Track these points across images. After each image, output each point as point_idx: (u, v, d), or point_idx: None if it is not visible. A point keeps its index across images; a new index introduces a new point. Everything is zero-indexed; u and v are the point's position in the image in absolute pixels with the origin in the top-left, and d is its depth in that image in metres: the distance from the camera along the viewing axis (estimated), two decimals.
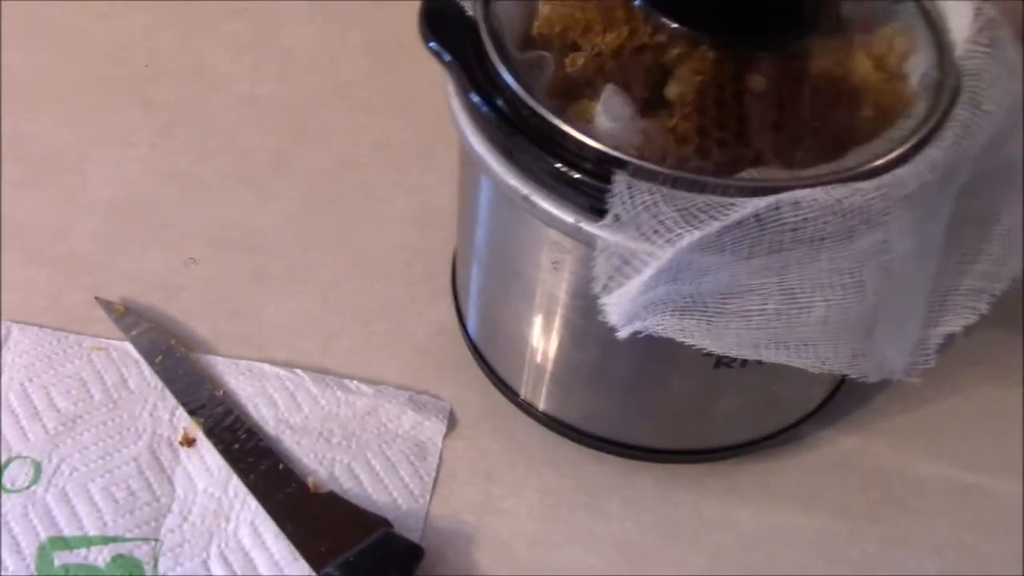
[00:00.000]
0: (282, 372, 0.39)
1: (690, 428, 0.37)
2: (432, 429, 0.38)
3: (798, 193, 0.27)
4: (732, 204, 0.27)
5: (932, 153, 0.29)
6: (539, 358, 0.36)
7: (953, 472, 0.39)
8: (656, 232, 0.27)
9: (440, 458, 0.38)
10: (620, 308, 0.28)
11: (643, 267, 0.27)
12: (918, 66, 0.32)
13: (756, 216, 0.27)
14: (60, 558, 0.35)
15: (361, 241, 0.44)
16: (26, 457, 0.37)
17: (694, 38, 0.30)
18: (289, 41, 0.52)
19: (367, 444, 0.38)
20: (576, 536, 0.36)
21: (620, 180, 0.27)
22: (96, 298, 0.41)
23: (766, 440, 0.38)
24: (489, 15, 0.32)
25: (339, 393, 0.39)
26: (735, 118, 0.30)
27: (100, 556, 0.35)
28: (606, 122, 0.29)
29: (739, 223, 0.27)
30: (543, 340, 0.35)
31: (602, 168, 0.28)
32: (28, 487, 0.36)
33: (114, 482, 0.36)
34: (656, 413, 0.36)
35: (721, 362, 0.32)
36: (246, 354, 0.40)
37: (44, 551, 0.35)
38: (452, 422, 0.39)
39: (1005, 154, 0.32)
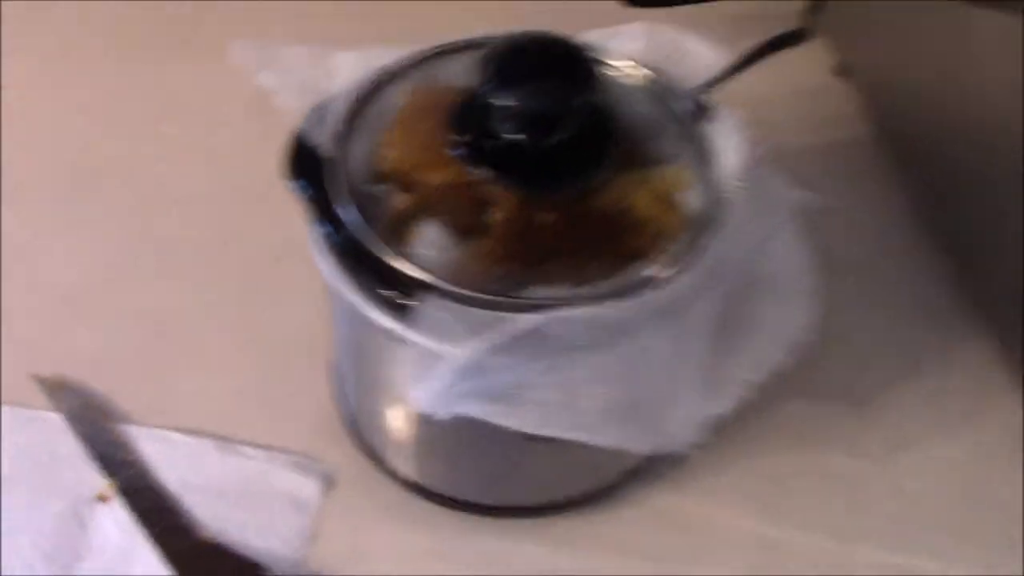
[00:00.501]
0: (187, 439, 0.46)
1: (520, 488, 0.44)
2: (311, 488, 0.45)
3: (564, 312, 0.34)
4: (513, 318, 0.34)
5: (681, 278, 0.36)
6: (393, 433, 0.44)
7: (750, 524, 0.46)
8: (449, 341, 0.34)
9: (316, 514, 0.45)
10: (425, 397, 0.35)
11: (443, 367, 0.35)
12: (692, 200, 0.39)
13: (533, 330, 0.34)
14: None
15: (266, 326, 0.51)
16: None
17: (499, 181, 0.38)
18: (217, 143, 0.60)
19: (255, 500, 0.45)
20: None
21: (423, 299, 0.35)
22: (33, 375, 0.48)
23: (588, 498, 0.45)
24: (344, 155, 0.39)
25: (233, 457, 0.46)
26: (532, 246, 0.37)
27: None
28: (423, 250, 0.37)
29: (518, 334, 0.34)
30: (394, 418, 0.43)
31: (412, 289, 0.35)
32: None
33: (40, 534, 0.43)
34: (487, 476, 0.44)
35: (522, 435, 0.40)
36: (159, 423, 0.47)
37: None
38: (330, 483, 0.46)
39: (765, 270, 0.40)
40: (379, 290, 0.36)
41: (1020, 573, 0.45)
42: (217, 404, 0.48)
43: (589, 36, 0.43)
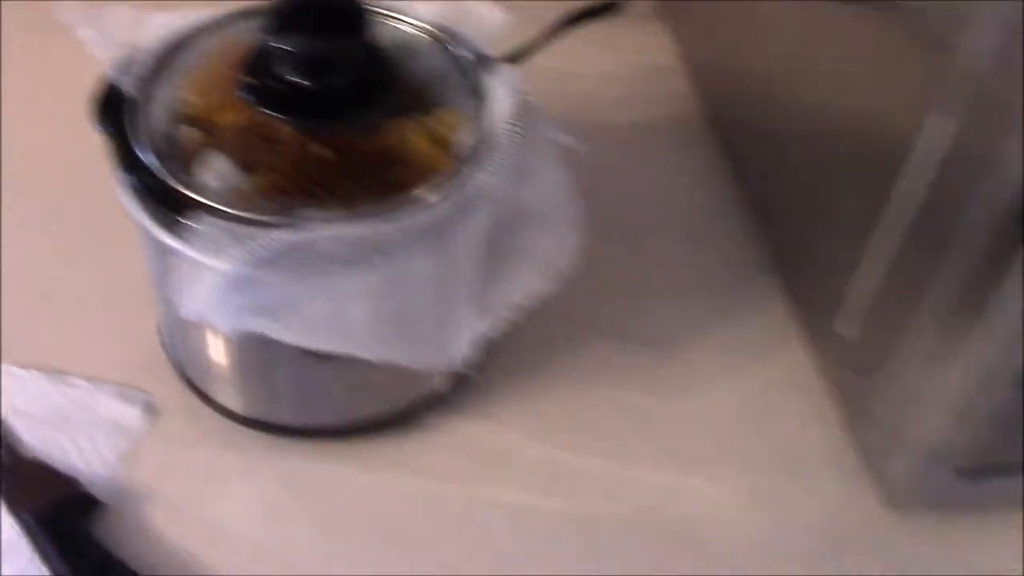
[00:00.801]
0: (15, 369, 0.50)
1: (320, 410, 0.48)
2: (132, 415, 0.49)
3: (320, 229, 0.38)
4: (274, 235, 0.38)
5: (441, 203, 0.40)
6: (203, 361, 0.47)
7: (544, 451, 0.50)
8: (220, 256, 0.38)
9: (138, 439, 0.49)
10: (192, 306, 0.39)
11: (210, 276, 0.39)
12: (464, 141, 0.43)
13: (290, 243, 0.38)
14: None
15: (103, 273, 0.55)
16: None
17: (280, 118, 0.42)
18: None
19: (76, 426, 0.48)
20: (230, 495, 0.47)
21: (198, 216, 0.39)
22: None
23: (389, 422, 0.49)
24: (147, 100, 0.43)
25: (62, 387, 0.50)
26: (309, 178, 0.41)
27: None
28: (209, 179, 0.41)
29: (280, 249, 0.38)
30: (198, 344, 0.47)
31: (192, 211, 0.39)
32: None
33: None
34: (288, 398, 0.47)
35: (309, 353, 0.44)
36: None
37: None
38: (151, 411, 0.50)
39: (530, 203, 0.44)
40: (165, 214, 0.40)
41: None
42: (50, 340, 0.52)
43: (395, 1, 0.48)
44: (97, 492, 0.46)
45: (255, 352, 0.46)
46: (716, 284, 0.58)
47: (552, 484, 0.49)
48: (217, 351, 0.47)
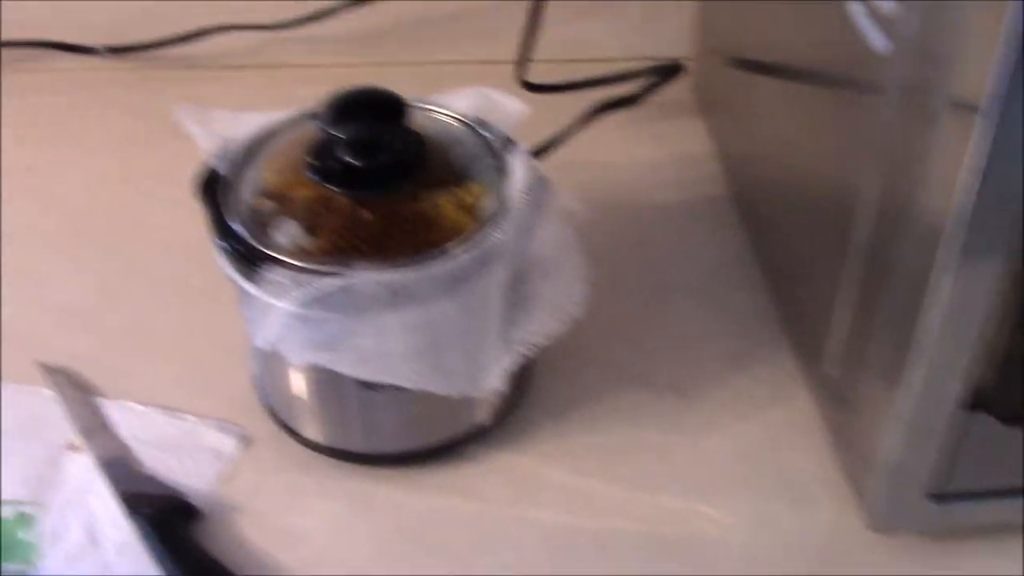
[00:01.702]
0: (140, 407, 0.61)
1: (382, 438, 0.57)
2: (229, 443, 0.59)
3: (363, 275, 0.48)
4: (333, 281, 0.48)
5: (461, 255, 0.49)
6: (284, 396, 0.57)
7: (573, 479, 0.58)
8: (283, 296, 0.48)
9: (232, 464, 0.58)
10: (265, 339, 0.49)
11: (275, 313, 0.49)
12: (488, 207, 0.53)
13: (340, 287, 0.48)
14: None
15: (207, 327, 0.66)
16: None
17: (335, 191, 0.52)
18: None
19: (184, 451, 0.59)
20: (305, 510, 0.56)
21: (272, 268, 0.49)
22: (38, 362, 0.64)
23: (440, 451, 0.58)
24: (238, 180, 0.54)
25: (173, 420, 0.60)
26: (358, 237, 0.51)
27: (8, 511, 0.56)
28: (282, 240, 0.51)
29: (331, 292, 0.48)
30: (282, 382, 0.56)
31: (265, 263, 0.49)
32: None
33: (26, 469, 0.58)
34: (354, 426, 0.57)
35: (368, 385, 0.53)
36: (120, 396, 0.62)
37: None
38: (247, 442, 0.60)
39: (542, 257, 0.53)
40: (248, 268, 0.50)
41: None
42: (169, 385, 0.63)
43: (435, 96, 0.58)
44: (198, 504, 0.56)
45: (325, 386, 0.55)
46: (732, 340, 0.65)
47: (582, 508, 0.57)
48: (295, 387, 0.56)
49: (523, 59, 0.75)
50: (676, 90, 0.82)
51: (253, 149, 0.56)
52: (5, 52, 0.90)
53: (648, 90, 0.75)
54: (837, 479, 0.56)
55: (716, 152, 0.78)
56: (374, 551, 0.55)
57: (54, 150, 0.83)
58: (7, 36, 0.90)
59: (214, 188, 0.54)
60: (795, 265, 0.62)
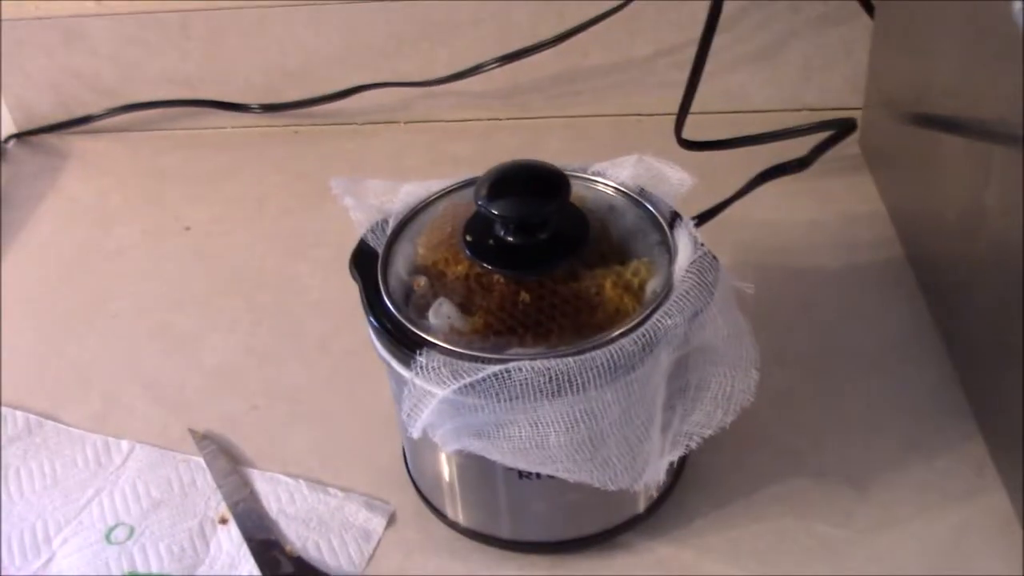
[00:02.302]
0: (287, 479, 0.60)
1: (533, 526, 0.54)
2: (377, 522, 0.57)
3: (520, 362, 0.45)
4: (483, 367, 0.46)
5: (621, 345, 0.46)
6: (433, 477, 0.55)
7: (735, 573, 0.54)
8: (439, 383, 0.46)
9: (378, 542, 0.57)
10: (418, 427, 0.47)
11: (432, 402, 0.47)
12: (651, 287, 0.50)
13: (496, 374, 0.45)
14: None
15: (360, 394, 0.64)
16: (126, 524, 0.59)
17: (493, 270, 0.50)
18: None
19: (331, 528, 0.57)
20: None
21: (427, 352, 0.47)
22: (189, 429, 0.64)
23: (595, 540, 0.54)
24: (389, 254, 0.52)
25: (321, 495, 0.59)
26: (515, 319, 0.49)
27: None
28: (434, 320, 0.49)
29: (485, 378, 0.45)
30: (432, 463, 0.54)
31: (422, 347, 0.47)
32: (124, 542, 0.58)
33: (174, 541, 0.57)
34: (504, 513, 0.54)
35: (521, 475, 0.50)
36: (269, 467, 0.61)
37: None
38: (392, 520, 0.58)
39: (710, 343, 0.49)
40: (401, 349, 0.48)
41: None
42: (316, 456, 0.62)
43: (597, 165, 0.55)
44: None
45: (475, 471, 0.53)
46: (914, 423, 0.60)
47: None
48: (445, 470, 0.54)
49: (682, 115, 0.72)
50: (842, 144, 0.77)
51: (408, 222, 0.54)
52: (165, 111, 0.91)
53: (820, 150, 0.71)
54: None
55: (888, 211, 0.74)
56: None
57: (211, 209, 0.84)
58: (166, 95, 0.92)
59: (367, 262, 0.52)
60: (986, 339, 0.56)
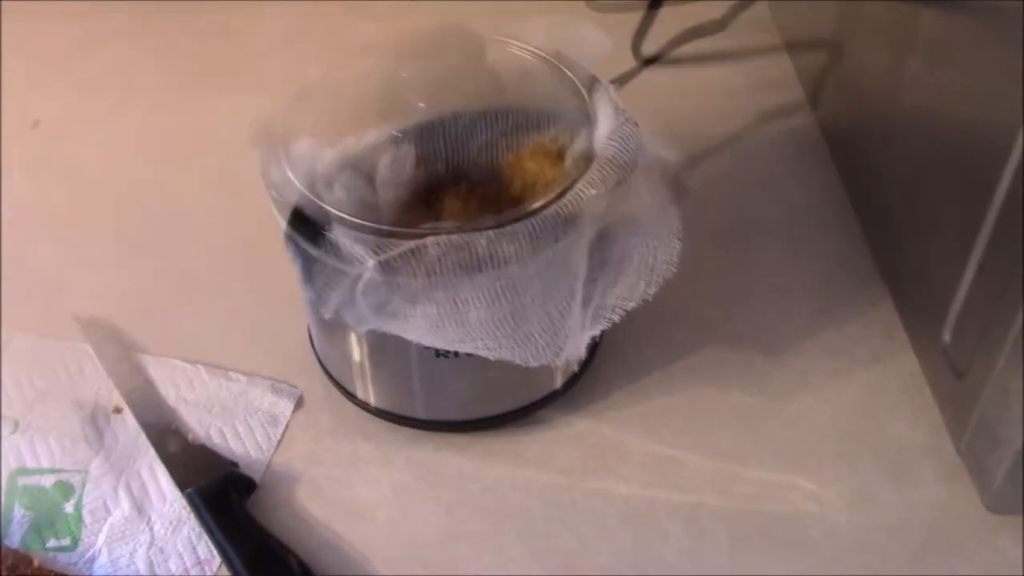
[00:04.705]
0: (185, 365, 0.57)
1: (449, 405, 0.53)
2: (284, 406, 0.55)
3: (438, 237, 0.43)
4: (399, 243, 0.43)
5: (543, 216, 0.44)
6: (343, 359, 0.53)
7: (655, 447, 0.53)
8: (350, 261, 0.43)
9: (286, 427, 0.54)
10: (330, 307, 0.44)
11: (345, 281, 0.44)
12: (573, 155, 0.47)
13: (412, 250, 0.43)
14: (22, 480, 0.52)
15: (260, 282, 0.60)
16: (9, 417, 0.55)
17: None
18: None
19: (235, 415, 0.54)
20: (367, 480, 0.52)
21: (332, 227, 0.44)
22: (73, 315, 0.59)
23: (511, 418, 0.53)
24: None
25: (222, 380, 0.56)
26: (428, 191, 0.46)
27: (47, 480, 0.52)
28: (340, 193, 0.45)
29: (402, 254, 0.43)
30: (341, 344, 0.52)
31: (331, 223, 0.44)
32: (8, 436, 0.54)
33: (64, 434, 0.54)
34: (418, 394, 0.52)
35: (438, 353, 0.48)
36: (164, 353, 0.57)
37: (12, 476, 0.52)
38: (300, 403, 0.55)
39: (633, 213, 0.48)
40: (309, 225, 0.45)
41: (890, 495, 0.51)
42: (216, 340, 0.58)
43: (508, 27, 0.52)
44: (252, 474, 0.52)
45: (388, 351, 0.50)
46: (825, 290, 0.60)
47: (661, 478, 0.52)
48: (356, 351, 0.52)
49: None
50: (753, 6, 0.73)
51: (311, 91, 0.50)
52: None
53: (734, 14, 0.68)
54: (946, 452, 0.51)
55: (798, 75, 0.72)
56: (440, 523, 0.51)
57: (62, 99, 0.75)
58: None
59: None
60: (904, 213, 0.56)
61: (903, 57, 0.54)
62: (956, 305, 0.48)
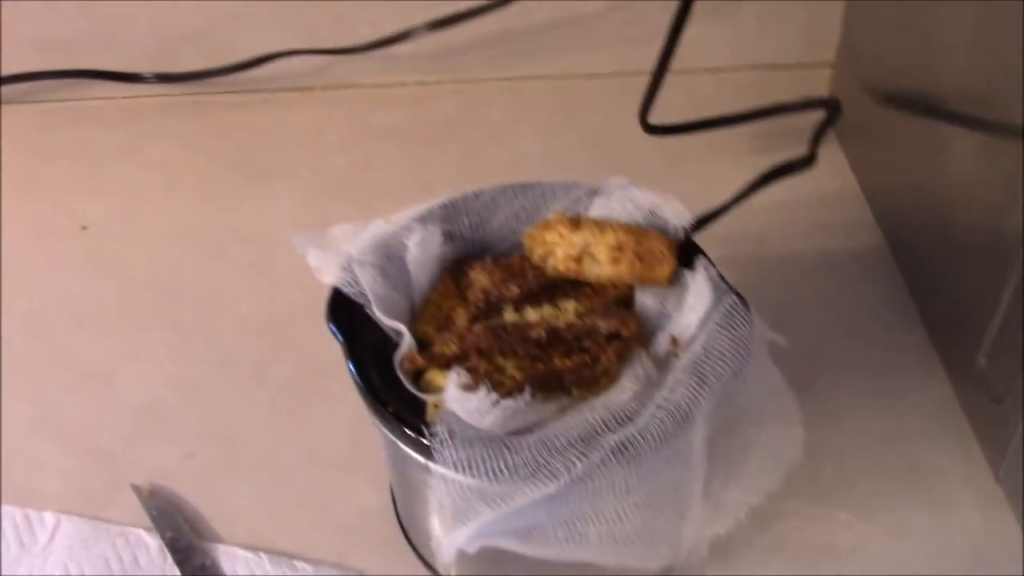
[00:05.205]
0: (248, 554, 0.52)
1: None
2: None
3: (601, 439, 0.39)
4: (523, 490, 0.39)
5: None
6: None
7: None
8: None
9: None
10: (451, 545, 0.41)
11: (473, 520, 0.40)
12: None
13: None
14: None
15: (318, 437, 0.56)
16: None
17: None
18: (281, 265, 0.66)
19: None
20: None
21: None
22: (131, 484, 0.55)
23: None
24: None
25: (287, 570, 0.51)
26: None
27: None
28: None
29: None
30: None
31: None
32: None
33: None
34: None
35: None
36: (226, 534, 0.53)
37: None
38: None
39: (749, 402, 0.44)
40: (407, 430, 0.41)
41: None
42: (272, 516, 0.54)
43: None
44: None
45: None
46: (857, 318, 0.61)
47: None
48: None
49: (649, 98, 0.64)
50: (807, 115, 0.70)
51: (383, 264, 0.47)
52: (39, 84, 0.79)
53: (818, 140, 0.65)
54: (982, 477, 0.52)
55: (861, 187, 0.70)
56: None
57: (109, 200, 0.73)
58: (41, 66, 0.79)
59: (347, 316, 0.45)
60: (934, 234, 0.57)
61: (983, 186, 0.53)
62: (992, 329, 0.49)
